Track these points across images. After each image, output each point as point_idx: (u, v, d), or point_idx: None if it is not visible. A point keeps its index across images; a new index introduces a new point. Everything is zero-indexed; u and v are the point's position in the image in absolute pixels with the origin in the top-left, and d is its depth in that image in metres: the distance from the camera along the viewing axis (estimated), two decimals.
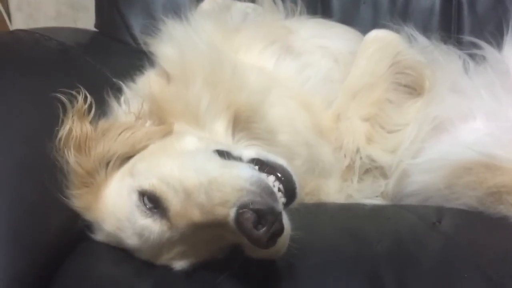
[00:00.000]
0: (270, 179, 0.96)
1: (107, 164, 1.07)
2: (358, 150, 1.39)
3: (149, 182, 0.98)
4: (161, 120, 1.17)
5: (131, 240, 1.00)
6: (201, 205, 0.90)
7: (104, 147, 1.07)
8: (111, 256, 1.05)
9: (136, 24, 1.82)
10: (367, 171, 1.40)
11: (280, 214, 0.87)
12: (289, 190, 0.97)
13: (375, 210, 1.25)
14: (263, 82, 1.31)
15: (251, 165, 0.98)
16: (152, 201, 0.97)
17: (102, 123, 1.14)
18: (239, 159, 1.02)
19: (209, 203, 0.89)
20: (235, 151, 1.04)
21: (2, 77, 1.21)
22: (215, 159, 1.00)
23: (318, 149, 1.37)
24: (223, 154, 1.02)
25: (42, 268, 1.03)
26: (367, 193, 1.40)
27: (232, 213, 0.86)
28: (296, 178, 1.00)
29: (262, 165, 0.99)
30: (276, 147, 1.23)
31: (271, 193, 0.90)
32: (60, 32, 1.68)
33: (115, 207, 1.02)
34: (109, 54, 1.67)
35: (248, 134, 1.21)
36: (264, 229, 0.84)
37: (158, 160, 1.03)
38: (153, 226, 0.96)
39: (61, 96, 1.11)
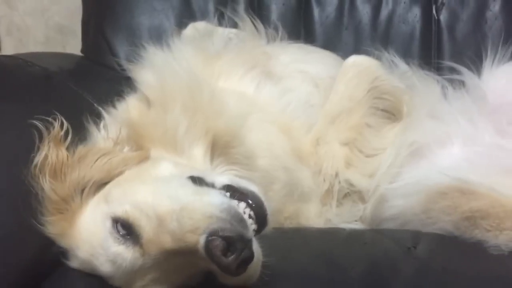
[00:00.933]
0: (241, 206, 0.96)
1: (82, 190, 1.07)
2: (337, 174, 1.39)
3: (122, 209, 0.98)
4: (139, 146, 1.17)
5: (104, 267, 0.99)
6: (173, 232, 0.91)
7: (79, 174, 1.07)
8: (86, 283, 1.04)
9: (121, 49, 1.83)
10: (346, 195, 1.41)
11: (249, 241, 0.88)
12: (260, 216, 0.98)
13: (352, 235, 1.25)
14: (242, 107, 1.33)
15: (223, 192, 0.98)
16: (125, 228, 0.98)
17: (80, 149, 1.14)
18: (212, 185, 1.03)
19: (180, 230, 0.89)
20: (208, 178, 1.04)
21: None
22: (188, 185, 1.01)
23: (297, 173, 1.37)
24: (196, 180, 1.03)
25: None
26: (346, 218, 1.40)
27: (201, 240, 0.87)
28: (267, 204, 1.00)
29: (234, 191, 1.00)
30: (255, 171, 1.23)
31: (241, 220, 0.91)
32: (45, 57, 1.69)
33: (89, 234, 1.02)
34: (92, 80, 1.67)
35: (227, 159, 1.21)
36: (233, 256, 0.85)
37: (132, 187, 1.04)
38: (125, 253, 0.96)
39: (38, 123, 1.12)
